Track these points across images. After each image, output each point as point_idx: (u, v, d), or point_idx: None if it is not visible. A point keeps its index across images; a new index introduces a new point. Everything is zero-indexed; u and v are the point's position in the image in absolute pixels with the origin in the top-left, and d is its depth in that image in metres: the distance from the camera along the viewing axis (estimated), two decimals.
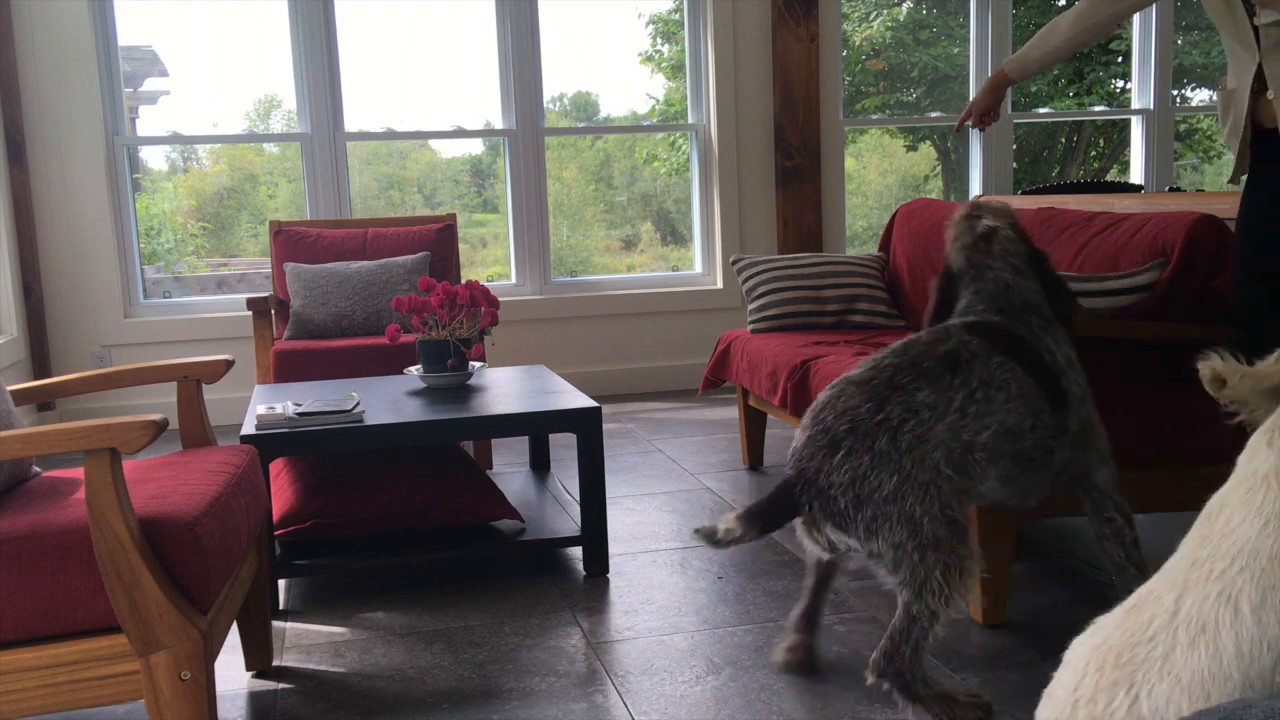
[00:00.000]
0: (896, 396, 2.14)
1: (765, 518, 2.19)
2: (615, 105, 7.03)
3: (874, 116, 8.67)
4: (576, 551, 3.23)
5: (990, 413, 2.17)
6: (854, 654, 2.48)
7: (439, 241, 4.77)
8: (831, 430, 2.13)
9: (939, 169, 9.35)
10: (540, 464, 4.09)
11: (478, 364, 3.50)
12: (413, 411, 3.02)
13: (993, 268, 2.38)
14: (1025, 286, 2.37)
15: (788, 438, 4.40)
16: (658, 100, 7.05)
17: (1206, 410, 1.74)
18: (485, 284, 3.63)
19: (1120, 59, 9.02)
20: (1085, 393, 2.34)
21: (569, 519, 3.31)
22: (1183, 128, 9.29)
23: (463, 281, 4.04)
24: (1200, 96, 8.18)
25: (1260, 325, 2.49)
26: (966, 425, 2.15)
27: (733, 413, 5.11)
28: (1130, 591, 1.47)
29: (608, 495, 3.74)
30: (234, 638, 2.57)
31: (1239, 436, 1.69)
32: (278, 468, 3.50)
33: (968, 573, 2.10)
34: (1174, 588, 1.36)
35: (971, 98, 6.14)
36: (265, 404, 3.07)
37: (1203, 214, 2.76)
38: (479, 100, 6.01)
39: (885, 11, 8.70)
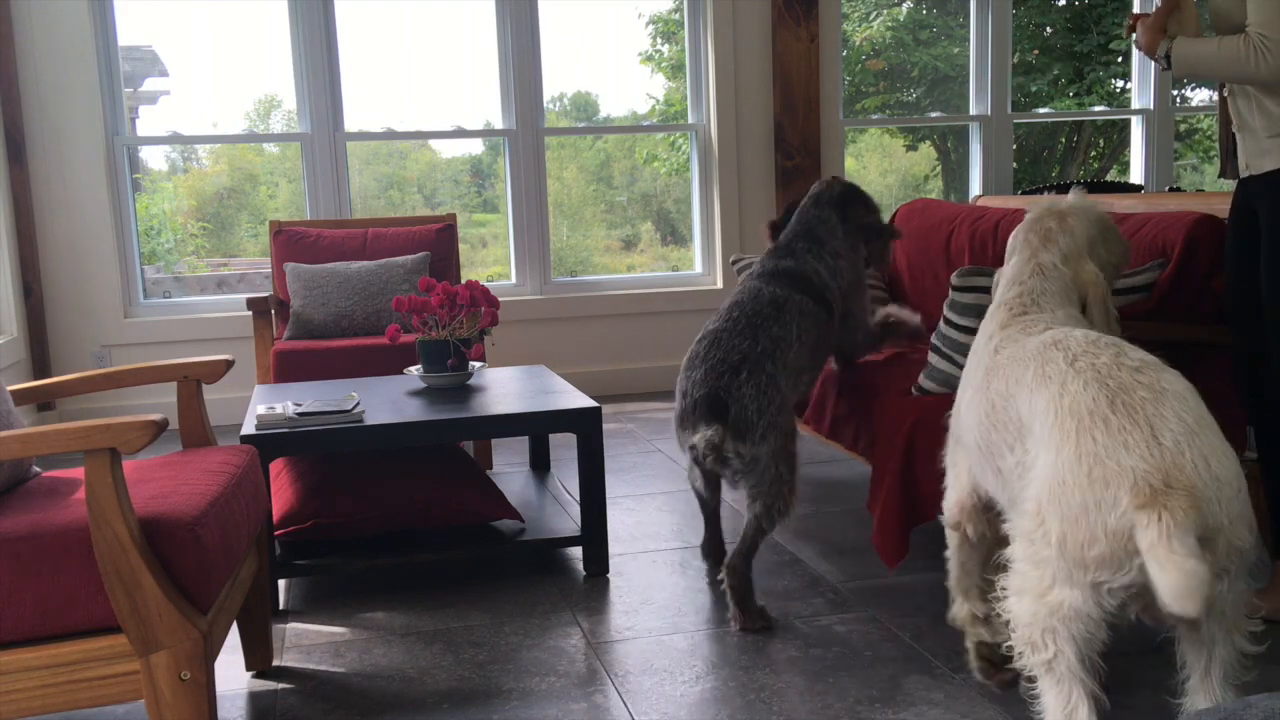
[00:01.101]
0: (762, 332, 2.69)
1: (710, 415, 2.61)
2: (615, 105, 7.04)
3: (874, 116, 8.68)
4: (576, 551, 3.23)
5: (806, 332, 2.79)
6: (854, 654, 2.48)
7: (439, 241, 4.77)
8: (727, 361, 2.64)
9: (939, 169, 9.34)
10: (540, 464, 4.09)
11: (478, 364, 3.50)
12: (413, 411, 3.02)
13: (799, 204, 3.08)
14: (815, 216, 3.00)
15: None
16: (658, 100, 7.05)
17: (1207, 408, 1.75)
18: (485, 284, 3.63)
19: (1120, 59, 9.02)
20: (851, 288, 3.00)
21: (569, 519, 3.31)
22: (1183, 128, 9.29)
23: (463, 281, 4.04)
24: (1200, 96, 8.18)
25: (1250, 324, 2.50)
26: (802, 350, 2.77)
27: None
28: None
29: (608, 495, 3.74)
30: (234, 638, 2.57)
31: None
32: (278, 468, 3.49)
33: (796, 494, 2.67)
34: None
35: (972, 97, 6.17)
36: (265, 404, 3.07)
37: (1203, 214, 2.76)
38: (479, 100, 6.02)
39: (885, 11, 8.70)
